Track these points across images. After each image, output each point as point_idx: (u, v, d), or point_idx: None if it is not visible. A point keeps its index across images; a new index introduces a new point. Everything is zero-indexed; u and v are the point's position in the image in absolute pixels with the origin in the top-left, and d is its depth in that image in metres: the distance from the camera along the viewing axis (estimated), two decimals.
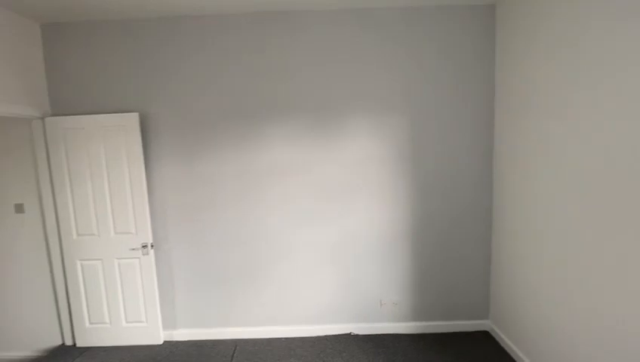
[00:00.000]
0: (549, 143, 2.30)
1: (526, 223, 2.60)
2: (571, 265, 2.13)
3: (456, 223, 3.13)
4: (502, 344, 2.98)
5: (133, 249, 3.02)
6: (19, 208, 3.11)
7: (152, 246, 3.04)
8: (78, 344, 3.16)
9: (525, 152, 2.58)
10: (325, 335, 3.23)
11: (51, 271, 3.13)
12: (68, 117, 2.95)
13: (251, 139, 3.05)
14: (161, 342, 3.15)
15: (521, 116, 2.62)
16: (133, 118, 2.93)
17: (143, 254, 3.03)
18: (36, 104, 2.92)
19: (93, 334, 3.14)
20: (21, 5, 2.66)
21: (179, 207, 3.12)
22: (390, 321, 3.24)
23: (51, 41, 2.98)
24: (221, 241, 3.16)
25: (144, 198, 2.99)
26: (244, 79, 3.00)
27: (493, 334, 3.14)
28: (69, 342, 3.20)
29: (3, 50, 2.66)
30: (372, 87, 2.99)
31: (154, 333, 3.13)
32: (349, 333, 3.24)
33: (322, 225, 3.14)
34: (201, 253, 3.17)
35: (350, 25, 2.94)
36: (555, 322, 2.31)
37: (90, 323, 3.15)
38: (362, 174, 3.08)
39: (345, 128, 3.04)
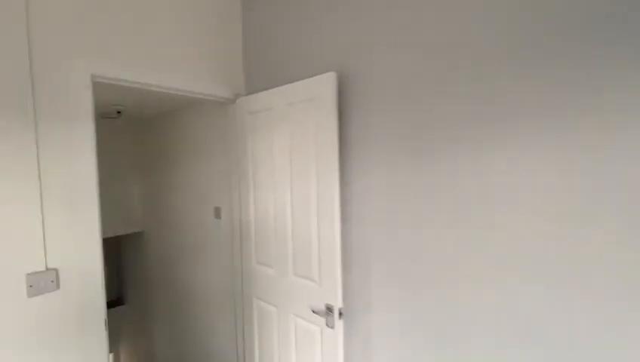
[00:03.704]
0: None
1: None
2: None
3: None
4: None
5: (315, 311, 1.77)
6: (217, 213, 2.56)
7: (340, 313, 1.67)
8: None
9: None
10: None
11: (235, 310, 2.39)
12: (252, 96, 2.05)
13: (559, 114, 1.09)
14: None
15: None
16: (326, 84, 1.63)
17: (328, 324, 1.71)
18: (229, 80, 2.18)
19: None
20: None
21: (394, 244, 1.60)
22: None
23: None
24: (475, 316, 1.38)
25: (334, 226, 1.65)
26: None
27: None
28: None
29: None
30: None
31: None
32: None
33: None
34: (436, 330, 1.52)
35: None
36: None
37: None
38: None
39: None
